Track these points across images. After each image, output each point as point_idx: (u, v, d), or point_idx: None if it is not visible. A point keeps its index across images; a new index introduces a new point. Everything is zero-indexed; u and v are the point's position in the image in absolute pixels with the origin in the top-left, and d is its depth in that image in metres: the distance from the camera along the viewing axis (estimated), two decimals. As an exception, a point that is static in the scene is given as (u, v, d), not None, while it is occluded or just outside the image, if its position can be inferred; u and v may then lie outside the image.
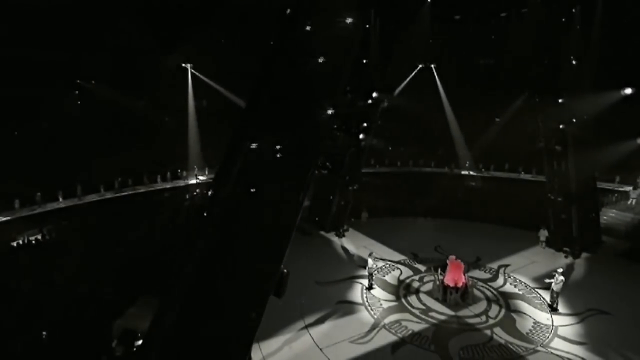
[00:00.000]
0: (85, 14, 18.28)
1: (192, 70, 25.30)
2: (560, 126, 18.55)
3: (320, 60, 9.93)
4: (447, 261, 15.95)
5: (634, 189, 22.16)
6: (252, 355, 9.86)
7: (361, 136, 17.50)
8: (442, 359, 12.40)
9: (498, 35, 24.49)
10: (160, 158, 23.39)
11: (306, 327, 13.69)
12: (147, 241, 16.75)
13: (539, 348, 12.86)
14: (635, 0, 19.01)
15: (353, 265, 18.25)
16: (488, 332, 13.68)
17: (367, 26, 18.45)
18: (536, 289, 16.26)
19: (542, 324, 14.11)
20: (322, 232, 21.78)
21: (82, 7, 17.95)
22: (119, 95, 21.63)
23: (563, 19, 17.80)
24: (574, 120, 18.33)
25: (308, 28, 10.03)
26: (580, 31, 18.25)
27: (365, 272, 16.52)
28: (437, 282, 15.77)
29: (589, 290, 16.29)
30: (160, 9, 19.19)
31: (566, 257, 19.13)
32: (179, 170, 24.34)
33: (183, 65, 24.84)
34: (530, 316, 14.57)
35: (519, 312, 14.86)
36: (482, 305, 15.23)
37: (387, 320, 14.26)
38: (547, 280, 15.24)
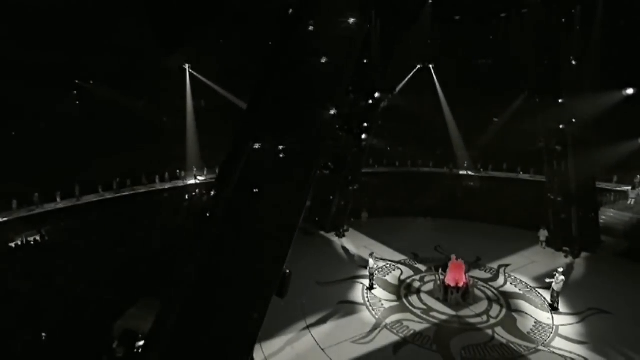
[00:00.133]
0: (85, 14, 18.25)
1: (191, 71, 25.26)
2: (560, 126, 18.57)
3: (323, 60, 9.91)
4: (449, 261, 15.93)
5: (633, 188, 22.26)
6: (255, 355, 9.84)
7: (363, 136, 17.46)
8: (444, 358, 12.41)
9: (498, 35, 24.54)
10: (159, 158, 23.34)
11: (308, 327, 13.67)
12: (147, 241, 16.70)
13: (541, 347, 12.88)
14: (635, 0, 19.06)
15: (354, 266, 18.23)
16: (489, 331, 13.70)
17: (368, 26, 18.42)
18: (536, 289, 16.28)
19: (543, 323, 14.14)
20: (322, 232, 21.75)
21: (82, 8, 17.92)
22: (118, 95, 21.58)
23: (563, 19, 17.80)
24: (574, 120, 18.34)
25: (311, 28, 10.00)
26: (580, 31, 18.28)
27: (366, 272, 16.51)
28: (438, 282, 15.77)
29: (589, 289, 16.32)
30: (160, 9, 19.13)
31: (566, 256, 19.15)
32: (178, 171, 24.29)
33: (183, 65, 24.83)
34: (531, 316, 14.60)
35: (520, 311, 14.88)
36: (483, 305, 15.24)
37: (388, 320, 14.25)
38: (548, 280, 15.26)
